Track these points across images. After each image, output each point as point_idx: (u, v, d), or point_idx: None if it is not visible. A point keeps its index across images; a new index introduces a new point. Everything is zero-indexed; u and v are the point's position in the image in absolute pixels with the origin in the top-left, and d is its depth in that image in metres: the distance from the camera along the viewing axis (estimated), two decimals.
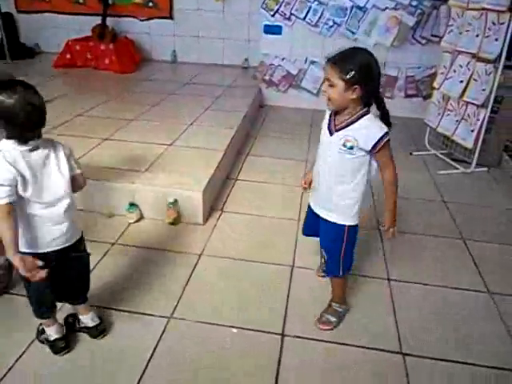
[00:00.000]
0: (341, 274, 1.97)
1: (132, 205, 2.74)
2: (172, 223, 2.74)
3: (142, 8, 5.99)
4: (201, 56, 6.14)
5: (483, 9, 3.38)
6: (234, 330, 1.98)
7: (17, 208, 1.49)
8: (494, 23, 3.32)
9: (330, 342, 1.96)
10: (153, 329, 1.97)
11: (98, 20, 5.73)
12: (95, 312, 1.93)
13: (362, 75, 1.61)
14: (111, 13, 5.83)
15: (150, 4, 5.96)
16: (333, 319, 2.05)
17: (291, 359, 1.86)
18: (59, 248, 1.63)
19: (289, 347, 1.92)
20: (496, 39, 3.32)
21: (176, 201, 2.73)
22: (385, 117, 1.75)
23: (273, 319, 2.06)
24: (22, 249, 1.54)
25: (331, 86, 1.67)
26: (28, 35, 6.28)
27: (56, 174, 1.56)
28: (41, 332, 1.86)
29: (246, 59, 6.01)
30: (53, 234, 1.60)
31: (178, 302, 2.13)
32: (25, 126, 1.45)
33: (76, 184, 1.67)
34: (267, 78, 5.27)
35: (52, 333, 1.80)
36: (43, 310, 1.78)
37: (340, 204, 1.84)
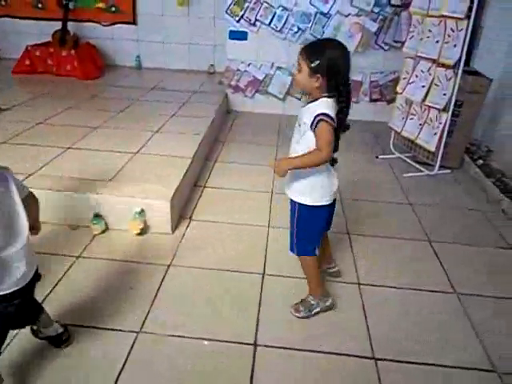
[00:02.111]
0: (295, 251, 2.07)
1: (97, 216, 2.66)
2: (139, 234, 2.67)
3: (105, 13, 5.86)
4: (166, 61, 6.07)
5: (442, 16, 3.48)
6: (206, 343, 1.95)
7: None
8: (452, 30, 3.42)
9: (302, 350, 1.95)
10: (121, 344, 1.91)
11: (58, 25, 5.57)
12: (58, 323, 1.86)
13: (326, 67, 1.71)
14: (72, 18, 5.68)
15: (113, 9, 5.84)
16: (301, 309, 2.12)
17: (264, 369, 1.84)
18: (25, 283, 1.48)
19: (261, 357, 1.90)
20: (455, 45, 3.42)
21: (143, 210, 2.67)
22: (341, 114, 1.81)
23: (245, 329, 2.04)
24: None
25: (299, 70, 1.80)
26: None
27: (10, 201, 1.41)
28: None
29: (212, 65, 5.98)
30: (24, 262, 1.45)
31: (147, 315, 2.08)
32: None
33: (29, 204, 1.51)
34: (233, 83, 5.25)
35: None
36: None
37: (294, 182, 1.96)
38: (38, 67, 5.48)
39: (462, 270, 2.56)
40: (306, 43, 1.82)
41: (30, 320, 1.77)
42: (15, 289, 1.43)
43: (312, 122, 1.77)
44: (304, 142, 1.86)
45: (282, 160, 1.88)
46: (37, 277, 1.57)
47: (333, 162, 1.96)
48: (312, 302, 2.12)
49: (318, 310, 2.13)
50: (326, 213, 2.03)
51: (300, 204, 1.96)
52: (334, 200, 2.04)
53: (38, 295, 1.79)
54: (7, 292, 1.41)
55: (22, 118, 3.83)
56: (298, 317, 2.11)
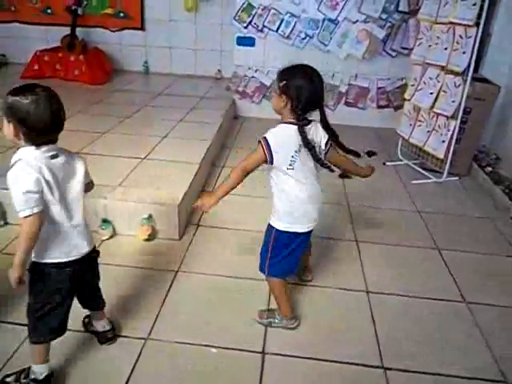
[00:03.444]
0: (266, 272, 2.02)
1: (105, 221, 2.66)
2: (147, 239, 2.67)
3: (113, 19, 5.91)
4: (173, 67, 6.10)
5: (451, 23, 3.48)
6: (214, 350, 1.94)
7: (44, 217, 1.50)
8: (461, 37, 3.42)
9: (311, 358, 1.94)
10: (129, 351, 1.90)
11: (67, 31, 5.62)
12: (108, 320, 1.95)
13: (290, 91, 1.76)
14: (81, 23, 5.72)
15: (121, 15, 5.88)
16: (264, 317, 2.10)
17: (273, 378, 1.83)
18: (83, 254, 1.65)
19: (270, 365, 1.88)
20: (464, 52, 3.41)
21: (151, 216, 2.67)
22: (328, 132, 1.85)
23: (253, 337, 2.03)
24: (50, 259, 1.57)
25: (275, 91, 1.86)
26: None
27: (74, 181, 1.59)
28: (17, 380, 1.70)
29: (219, 70, 6.00)
30: (78, 240, 1.62)
31: (155, 322, 2.07)
32: (37, 129, 1.45)
33: (87, 189, 1.70)
34: (241, 89, 5.27)
35: (43, 370, 1.67)
36: (53, 329, 1.66)
37: (273, 207, 1.97)
38: (47, 72, 5.51)
39: (471, 279, 2.54)
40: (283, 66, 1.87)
41: (92, 301, 1.88)
42: (68, 259, 1.60)
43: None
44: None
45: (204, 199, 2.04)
46: (94, 253, 1.74)
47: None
48: (277, 318, 2.08)
49: (278, 325, 2.08)
50: (301, 240, 1.97)
51: (273, 228, 1.95)
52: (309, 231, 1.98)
53: None
54: (60, 261, 1.58)
55: None
56: (258, 321, 2.10)
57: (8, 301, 2.10)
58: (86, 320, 2.00)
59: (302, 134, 1.77)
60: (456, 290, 2.44)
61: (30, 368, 1.69)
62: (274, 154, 1.80)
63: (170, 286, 2.32)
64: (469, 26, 3.34)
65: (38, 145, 1.48)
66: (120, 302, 2.18)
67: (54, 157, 1.52)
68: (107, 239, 2.67)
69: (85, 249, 1.66)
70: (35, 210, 1.44)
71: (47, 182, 1.47)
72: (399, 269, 2.60)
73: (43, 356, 1.68)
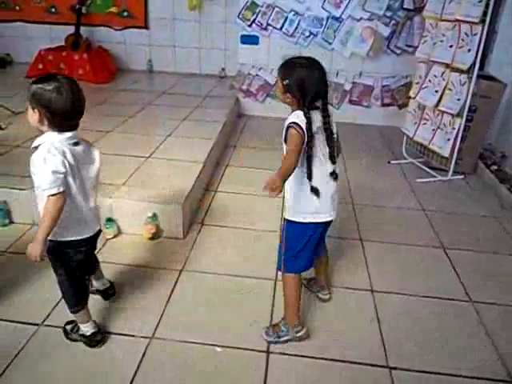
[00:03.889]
0: (282, 268, 1.97)
1: (109, 220, 2.66)
2: (151, 238, 2.67)
3: (117, 18, 5.91)
4: (177, 65, 6.10)
5: (456, 20, 3.45)
6: (218, 349, 1.93)
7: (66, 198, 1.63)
8: (467, 34, 3.39)
9: (315, 357, 1.93)
10: (134, 350, 1.90)
11: (71, 29, 5.62)
12: (106, 279, 2.16)
13: (293, 86, 1.77)
14: (85, 22, 5.73)
15: (125, 14, 5.89)
16: (270, 333, 2.00)
17: (277, 377, 1.83)
18: (95, 231, 1.84)
19: (274, 365, 1.88)
20: (469, 50, 3.39)
21: (155, 215, 2.67)
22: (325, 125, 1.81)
23: (257, 336, 2.02)
24: (69, 237, 1.72)
25: (277, 85, 1.87)
26: None
27: (92, 168, 1.75)
28: (72, 331, 1.93)
29: (223, 69, 5.99)
30: (93, 219, 1.80)
31: (160, 321, 2.07)
32: (60, 114, 1.57)
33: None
34: (245, 87, 5.26)
35: (89, 328, 1.88)
36: (81, 298, 1.87)
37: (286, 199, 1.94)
38: (51, 71, 5.52)
39: (476, 278, 2.53)
40: (284, 59, 1.85)
41: (93, 268, 2.05)
42: (84, 236, 1.77)
43: (284, 135, 1.82)
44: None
45: (274, 176, 1.72)
46: (99, 233, 1.90)
47: (333, 175, 1.89)
48: (283, 329, 1.99)
49: (287, 338, 1.98)
50: (311, 232, 1.94)
51: (286, 220, 1.95)
52: (327, 222, 1.97)
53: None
54: (77, 238, 1.74)
55: None
56: (266, 340, 1.99)
57: None
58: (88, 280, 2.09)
59: (324, 116, 1.79)
60: (461, 289, 2.43)
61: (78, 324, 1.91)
62: (305, 131, 1.76)
63: (175, 285, 2.32)
64: (474, 23, 3.31)
65: (61, 131, 1.61)
66: (124, 301, 2.19)
67: (75, 144, 1.66)
68: (112, 238, 2.67)
69: (97, 227, 1.85)
70: (61, 189, 1.57)
71: (70, 166, 1.61)
72: (404, 267, 2.59)
73: (85, 317, 1.88)
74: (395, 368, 1.89)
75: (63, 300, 1.90)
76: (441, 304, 2.31)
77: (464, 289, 2.43)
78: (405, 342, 2.05)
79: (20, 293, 2.19)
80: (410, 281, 2.47)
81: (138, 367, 1.82)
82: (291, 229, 1.94)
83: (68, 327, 1.94)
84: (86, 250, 1.82)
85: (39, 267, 2.35)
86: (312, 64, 1.80)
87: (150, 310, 2.14)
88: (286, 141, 1.83)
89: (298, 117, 1.78)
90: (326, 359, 1.92)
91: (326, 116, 1.81)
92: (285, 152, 1.85)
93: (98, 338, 1.90)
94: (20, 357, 1.84)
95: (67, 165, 1.59)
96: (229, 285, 2.35)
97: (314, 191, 1.85)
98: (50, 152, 1.57)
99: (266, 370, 1.85)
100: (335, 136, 1.88)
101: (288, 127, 1.80)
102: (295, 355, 1.94)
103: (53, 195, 1.56)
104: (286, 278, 2.00)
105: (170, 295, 2.25)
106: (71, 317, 1.91)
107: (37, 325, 2.00)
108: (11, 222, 2.78)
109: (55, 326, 1.99)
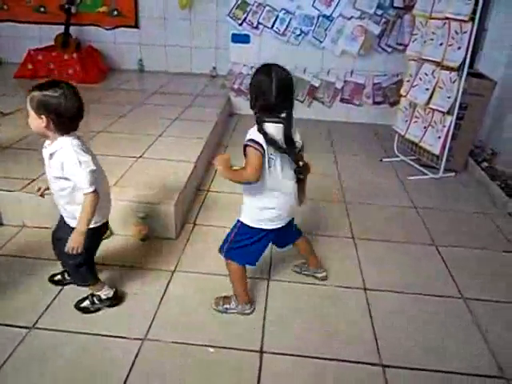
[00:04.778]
0: (223, 253, 2.08)
1: None
2: (143, 239, 2.66)
3: (107, 17, 5.86)
4: (168, 65, 6.07)
5: (446, 18, 3.46)
6: (211, 350, 1.93)
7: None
8: (456, 32, 3.41)
9: (309, 356, 1.93)
10: (127, 352, 1.89)
11: (60, 29, 5.57)
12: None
13: (252, 89, 1.86)
14: (75, 22, 5.68)
15: (115, 13, 5.84)
16: (220, 303, 2.16)
17: (271, 376, 1.82)
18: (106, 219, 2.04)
19: (268, 364, 1.88)
20: (459, 48, 3.40)
21: (147, 215, 2.65)
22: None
23: (251, 335, 2.02)
24: (103, 220, 1.98)
25: None
26: None
27: (95, 156, 1.90)
28: (93, 303, 2.09)
29: (214, 67, 5.97)
30: (109, 203, 2.05)
31: (152, 322, 2.06)
32: (67, 117, 1.71)
33: None
34: (236, 86, 5.24)
35: (109, 290, 2.10)
36: (94, 272, 2.08)
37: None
38: (40, 71, 5.46)
39: (468, 275, 2.54)
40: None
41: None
42: (105, 220, 2.02)
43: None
44: None
45: (221, 160, 1.85)
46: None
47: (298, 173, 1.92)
48: (233, 303, 2.14)
49: (234, 311, 2.14)
50: (264, 236, 2.02)
51: (240, 221, 2.02)
52: (282, 226, 2.04)
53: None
54: (101, 223, 1.97)
55: (25, 122, 3.80)
56: (214, 308, 2.15)
57: None
58: (59, 277, 2.26)
59: (261, 131, 1.80)
60: (453, 286, 2.44)
61: (96, 294, 2.08)
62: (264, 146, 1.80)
63: (167, 286, 2.31)
64: (464, 21, 3.33)
65: (67, 132, 1.77)
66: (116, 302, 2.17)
67: (79, 138, 1.82)
68: (103, 239, 2.64)
69: (111, 210, 2.08)
70: (95, 187, 1.77)
71: (94, 159, 1.83)
72: (396, 265, 2.60)
73: (102, 284, 2.10)
74: (388, 366, 1.90)
75: (80, 284, 2.08)
76: (433, 301, 2.32)
77: (456, 286, 2.44)
78: (398, 339, 2.05)
79: (9, 296, 2.17)
80: (402, 278, 2.48)
81: (131, 368, 1.81)
82: (242, 230, 2.02)
83: (85, 303, 2.09)
84: (103, 233, 2.10)
85: (30, 270, 2.34)
86: (270, 69, 1.80)
87: (142, 311, 2.13)
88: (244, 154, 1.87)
89: (252, 133, 1.84)
90: (319, 358, 1.92)
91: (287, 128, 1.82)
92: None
93: (120, 296, 2.16)
94: (13, 358, 1.82)
95: (93, 159, 1.81)
96: (221, 285, 2.33)
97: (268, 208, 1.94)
98: (79, 154, 1.75)
99: (260, 370, 1.84)
100: (297, 149, 1.88)
101: (245, 146, 1.84)
102: (288, 354, 1.93)
103: (92, 192, 1.76)
104: (229, 264, 2.10)
105: (163, 296, 2.24)
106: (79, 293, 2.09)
107: (28, 328, 1.98)
108: (1, 224, 2.75)
109: (47, 329, 1.98)
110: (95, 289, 2.08)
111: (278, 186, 1.90)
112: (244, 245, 2.02)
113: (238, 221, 2.04)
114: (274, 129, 1.81)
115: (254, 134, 1.82)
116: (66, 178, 1.79)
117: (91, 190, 1.76)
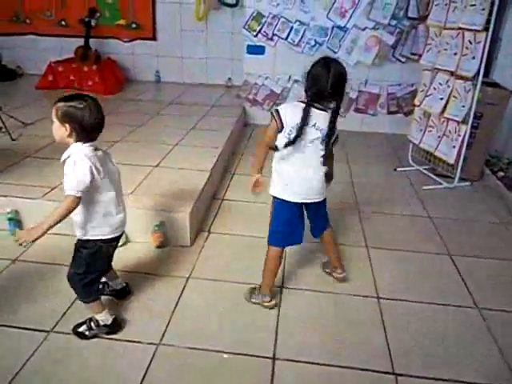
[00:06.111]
0: (268, 239, 2.25)
1: None
2: (159, 246, 2.71)
3: (126, 29, 6.01)
4: (184, 76, 6.17)
5: (460, 28, 3.47)
6: (225, 356, 1.95)
7: (98, 197, 1.86)
8: (470, 42, 3.41)
9: (322, 364, 1.94)
10: (141, 356, 1.93)
11: (80, 42, 5.73)
12: (120, 279, 2.28)
13: (309, 78, 1.99)
14: (94, 35, 5.83)
15: (134, 25, 5.99)
16: (247, 294, 2.30)
17: (283, 383, 1.84)
18: (120, 233, 2.01)
19: (280, 371, 1.89)
20: (473, 57, 3.40)
21: (162, 223, 2.70)
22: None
23: (264, 342, 2.04)
24: (101, 236, 1.90)
25: None
26: (9, 57, 6.21)
27: (113, 169, 1.96)
28: (90, 328, 2.00)
29: (230, 78, 6.06)
30: (122, 219, 1.98)
31: (167, 327, 2.10)
32: (89, 128, 1.78)
33: None
34: (251, 97, 5.31)
35: (108, 316, 2.02)
36: (93, 290, 2.00)
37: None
38: (61, 83, 5.62)
39: (483, 285, 2.52)
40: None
41: (109, 266, 2.17)
42: (114, 235, 1.96)
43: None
44: None
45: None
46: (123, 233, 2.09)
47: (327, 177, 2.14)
48: (256, 292, 2.28)
49: (256, 301, 2.26)
50: (290, 208, 2.16)
51: (272, 196, 2.21)
52: (306, 204, 2.19)
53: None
54: (109, 237, 1.94)
55: (45, 132, 3.90)
56: (245, 298, 2.30)
57: None
58: (103, 284, 2.24)
59: (305, 112, 1.97)
60: (468, 296, 2.42)
61: (94, 318, 2.00)
62: (283, 121, 2.01)
63: (182, 292, 2.35)
64: (478, 31, 3.33)
65: (86, 142, 1.81)
66: (132, 308, 2.22)
67: (96, 149, 1.85)
68: (120, 246, 2.70)
69: (125, 226, 2.03)
70: (79, 194, 1.74)
71: (97, 170, 1.80)
72: (410, 275, 2.60)
73: (101, 306, 2.02)
74: (401, 375, 1.90)
75: (77, 298, 2.04)
76: (447, 311, 2.31)
77: (471, 295, 2.43)
78: (411, 348, 2.05)
79: (29, 300, 2.23)
80: (416, 288, 2.48)
81: (146, 373, 1.84)
82: (274, 203, 2.21)
83: (82, 328, 2.01)
84: (114, 248, 2.04)
85: (49, 275, 2.40)
86: (332, 64, 1.95)
87: (157, 316, 2.17)
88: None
89: (286, 105, 2.08)
90: (331, 365, 1.93)
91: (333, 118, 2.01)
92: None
93: (119, 323, 2.06)
94: (31, 361, 1.87)
95: (94, 170, 1.78)
96: (235, 292, 2.37)
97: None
98: (79, 159, 1.76)
99: (272, 376, 1.86)
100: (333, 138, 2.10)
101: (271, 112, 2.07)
102: (301, 362, 1.95)
103: (71, 196, 1.73)
104: (268, 250, 2.25)
105: (177, 302, 2.27)
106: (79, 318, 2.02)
107: (47, 331, 2.03)
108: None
109: (65, 333, 2.03)
110: (92, 310, 2.00)
111: (301, 158, 2.08)
112: (276, 225, 2.20)
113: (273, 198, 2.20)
114: (318, 115, 1.99)
115: (284, 106, 2.06)
116: None
117: (72, 193, 1.73)
